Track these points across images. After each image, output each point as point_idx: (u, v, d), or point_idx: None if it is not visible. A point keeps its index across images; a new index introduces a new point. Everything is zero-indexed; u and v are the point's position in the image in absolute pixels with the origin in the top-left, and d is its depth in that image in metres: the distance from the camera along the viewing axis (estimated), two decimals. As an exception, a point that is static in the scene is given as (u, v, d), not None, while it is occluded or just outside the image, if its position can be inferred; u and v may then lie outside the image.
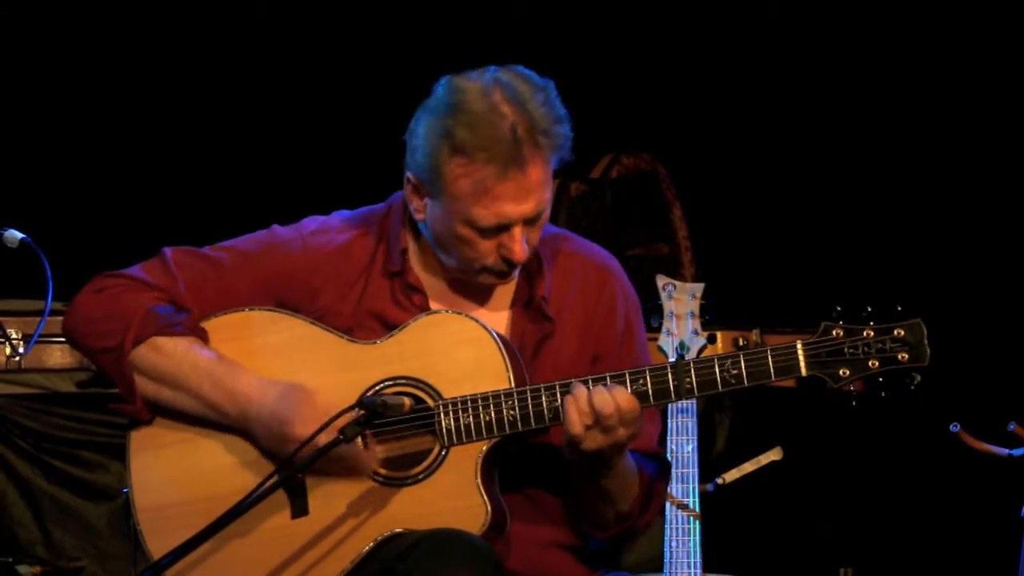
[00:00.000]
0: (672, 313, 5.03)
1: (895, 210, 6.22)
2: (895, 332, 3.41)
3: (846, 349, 3.42)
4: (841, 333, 3.43)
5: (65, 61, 6.06)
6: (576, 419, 3.42)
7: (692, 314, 5.03)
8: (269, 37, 6.20)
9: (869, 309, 3.43)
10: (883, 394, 3.44)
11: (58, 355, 5.37)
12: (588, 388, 3.43)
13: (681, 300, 5.04)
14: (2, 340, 5.19)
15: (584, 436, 3.43)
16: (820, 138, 6.26)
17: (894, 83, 6.21)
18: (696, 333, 5.02)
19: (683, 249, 6.04)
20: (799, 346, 3.44)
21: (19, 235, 4.64)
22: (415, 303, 3.63)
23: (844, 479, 6.09)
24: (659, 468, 3.70)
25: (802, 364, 3.43)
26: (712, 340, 5.13)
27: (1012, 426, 4.91)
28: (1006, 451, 4.97)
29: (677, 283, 5.07)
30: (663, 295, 5.03)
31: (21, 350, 5.21)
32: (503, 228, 3.50)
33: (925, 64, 6.18)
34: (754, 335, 5.69)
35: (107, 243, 3.81)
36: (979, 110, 6.13)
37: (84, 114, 6.05)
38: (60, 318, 5.25)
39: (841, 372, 3.42)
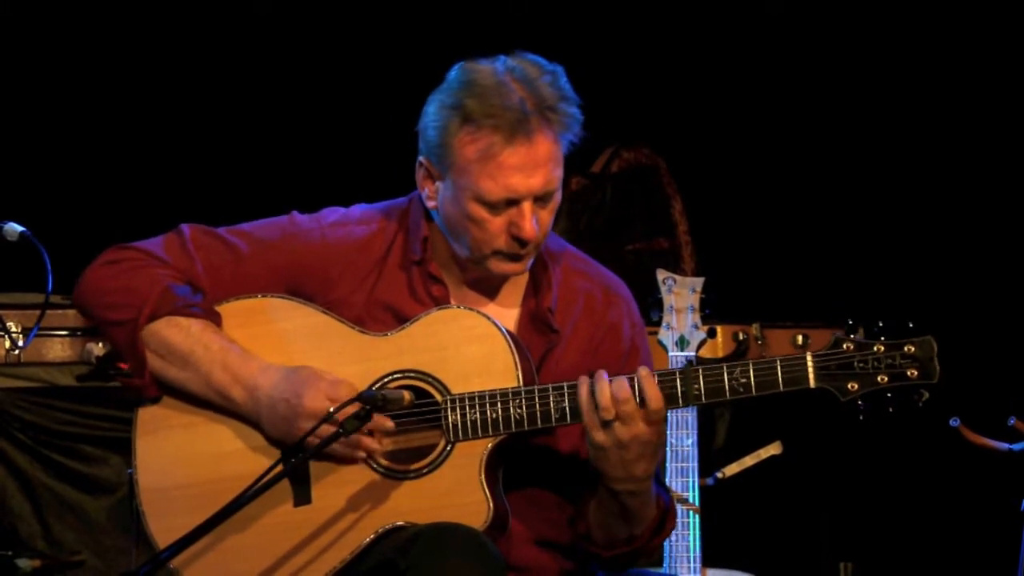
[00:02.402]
0: (672, 307, 5.03)
1: (894, 203, 6.22)
2: (906, 348, 3.41)
3: (856, 363, 3.42)
4: (851, 347, 3.42)
5: (65, 54, 6.05)
6: (592, 418, 3.42)
7: (692, 308, 5.03)
8: (274, 26, 6.18)
9: (881, 324, 3.42)
10: (891, 409, 3.44)
11: (58, 349, 5.37)
12: (607, 379, 3.43)
13: (681, 294, 5.04)
14: (2, 333, 5.19)
15: (605, 435, 3.42)
16: (819, 133, 6.25)
17: (889, 78, 6.20)
18: (696, 327, 5.02)
19: (683, 243, 6.04)
20: (809, 357, 3.43)
21: (19, 228, 4.63)
22: (434, 294, 3.63)
23: (844, 474, 6.09)
24: (671, 498, 3.70)
25: (811, 376, 3.42)
26: (712, 334, 5.13)
27: (1012, 421, 4.91)
28: (1006, 446, 4.97)
29: (677, 277, 5.07)
30: (663, 289, 5.03)
31: (21, 343, 5.21)
32: (511, 203, 3.51)
33: (923, 59, 6.17)
34: (754, 329, 5.69)
35: (107, 237, 3.79)
36: (971, 107, 6.13)
37: (84, 107, 6.04)
38: (60, 311, 5.30)
39: (850, 386, 3.42)
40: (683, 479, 4.90)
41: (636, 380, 3.43)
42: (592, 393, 3.43)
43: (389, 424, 3.51)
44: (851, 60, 6.21)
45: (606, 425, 3.42)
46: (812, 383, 3.43)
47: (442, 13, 6.16)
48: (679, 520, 4.92)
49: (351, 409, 3.43)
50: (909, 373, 3.41)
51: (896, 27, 6.16)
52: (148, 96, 6.11)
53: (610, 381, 3.43)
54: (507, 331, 3.54)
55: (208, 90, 6.14)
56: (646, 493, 3.54)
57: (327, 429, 3.45)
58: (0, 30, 5.96)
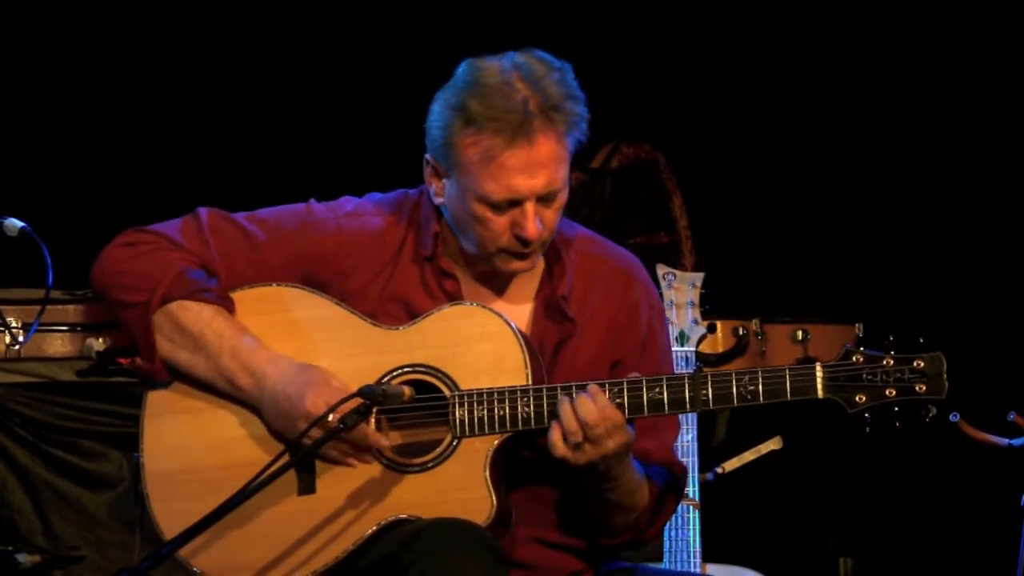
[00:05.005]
0: (672, 302, 5.03)
1: (893, 198, 6.22)
2: (915, 363, 3.42)
3: (865, 375, 3.43)
4: (861, 359, 3.43)
5: (65, 48, 6.04)
6: (558, 440, 3.46)
7: (692, 303, 5.03)
8: (282, 17, 6.18)
9: (891, 338, 3.43)
10: (897, 424, 3.45)
11: (58, 344, 5.37)
12: (571, 401, 3.45)
13: (681, 289, 5.04)
14: (2, 329, 5.19)
15: (573, 455, 3.45)
16: (819, 129, 6.25)
17: (889, 75, 6.20)
18: (696, 322, 5.02)
19: (683, 238, 6.03)
20: (818, 368, 3.45)
21: (19, 224, 4.63)
22: (447, 288, 3.65)
23: (844, 469, 6.09)
24: (672, 477, 3.71)
25: (819, 386, 3.44)
26: (712, 329, 5.13)
27: (1012, 415, 4.91)
28: (1006, 441, 4.97)
29: (677, 272, 5.07)
30: (663, 284, 5.03)
31: (21, 339, 5.21)
32: (515, 203, 3.52)
33: (919, 53, 6.17)
34: (754, 324, 5.69)
35: (107, 232, 3.80)
36: (965, 103, 6.12)
37: (84, 102, 6.04)
38: (60, 307, 5.29)
39: (857, 398, 3.43)
40: (683, 474, 4.90)
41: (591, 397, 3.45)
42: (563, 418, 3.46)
43: (383, 442, 3.52)
44: (850, 55, 6.21)
45: (577, 448, 3.46)
46: (820, 393, 3.45)
47: (446, 10, 6.16)
48: (679, 516, 4.93)
49: (353, 404, 3.44)
50: (917, 388, 3.42)
51: (900, 23, 6.15)
52: (148, 91, 6.10)
53: (570, 404, 3.46)
54: (519, 330, 3.56)
55: (208, 84, 6.14)
56: (627, 483, 3.57)
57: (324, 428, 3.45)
58: (0, 28, 5.96)
